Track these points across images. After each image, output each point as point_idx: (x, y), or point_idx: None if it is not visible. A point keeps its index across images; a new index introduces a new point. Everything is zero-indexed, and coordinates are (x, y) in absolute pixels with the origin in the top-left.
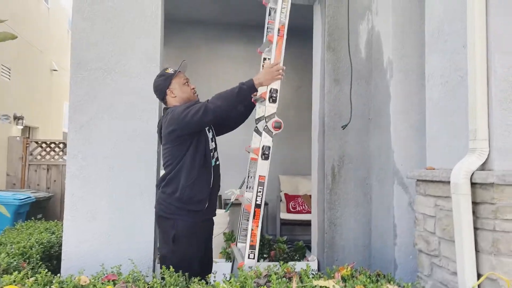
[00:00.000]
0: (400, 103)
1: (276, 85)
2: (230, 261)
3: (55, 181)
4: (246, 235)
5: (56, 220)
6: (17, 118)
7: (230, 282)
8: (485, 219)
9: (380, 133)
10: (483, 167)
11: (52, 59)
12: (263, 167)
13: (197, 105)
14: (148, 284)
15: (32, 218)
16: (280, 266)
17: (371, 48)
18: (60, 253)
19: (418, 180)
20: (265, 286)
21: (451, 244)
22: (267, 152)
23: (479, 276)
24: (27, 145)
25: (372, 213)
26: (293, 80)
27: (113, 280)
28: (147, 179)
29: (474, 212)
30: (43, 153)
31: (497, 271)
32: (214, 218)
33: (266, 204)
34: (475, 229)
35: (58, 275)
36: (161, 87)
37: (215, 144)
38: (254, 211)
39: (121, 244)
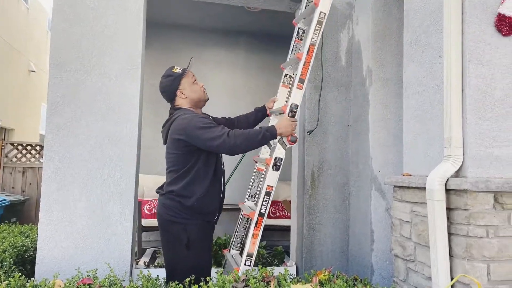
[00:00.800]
0: (378, 110)
1: (297, 100)
2: (215, 267)
3: (30, 184)
4: (240, 243)
5: (31, 224)
6: None
7: (208, 287)
8: (459, 224)
9: (359, 140)
10: (457, 174)
11: (30, 60)
12: (272, 178)
13: (215, 130)
14: None
15: (6, 221)
16: (259, 270)
17: (351, 56)
18: (35, 257)
19: (395, 186)
20: None
21: (426, 249)
22: (279, 164)
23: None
24: (3, 147)
25: (350, 219)
26: (274, 87)
27: (88, 284)
28: (125, 182)
29: (448, 218)
30: (19, 155)
31: (470, 275)
32: None
33: None
34: (449, 234)
35: (32, 279)
36: (170, 88)
37: None
38: (257, 219)
39: (98, 248)
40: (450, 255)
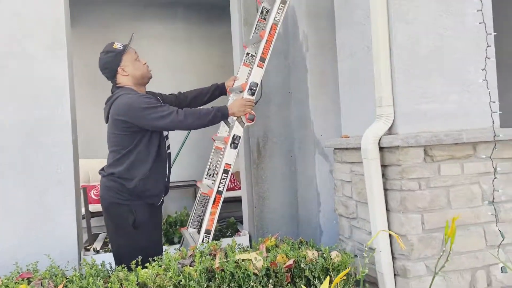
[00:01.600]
0: (316, 75)
1: (257, 78)
2: (167, 245)
3: None
4: (198, 221)
5: None
6: None
7: (153, 266)
8: (393, 180)
9: (300, 106)
10: (389, 131)
11: None
12: (230, 155)
13: (162, 110)
14: (67, 278)
15: None
16: (207, 244)
17: (288, 22)
18: None
19: (335, 148)
20: (189, 266)
21: (366, 206)
22: (236, 142)
23: (390, 234)
24: None
25: (297, 184)
26: (217, 59)
27: (28, 278)
28: (63, 169)
29: (384, 175)
30: None
31: (405, 227)
32: None
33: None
34: (385, 190)
35: None
36: (111, 65)
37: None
38: (215, 197)
39: (41, 239)
40: (387, 210)
